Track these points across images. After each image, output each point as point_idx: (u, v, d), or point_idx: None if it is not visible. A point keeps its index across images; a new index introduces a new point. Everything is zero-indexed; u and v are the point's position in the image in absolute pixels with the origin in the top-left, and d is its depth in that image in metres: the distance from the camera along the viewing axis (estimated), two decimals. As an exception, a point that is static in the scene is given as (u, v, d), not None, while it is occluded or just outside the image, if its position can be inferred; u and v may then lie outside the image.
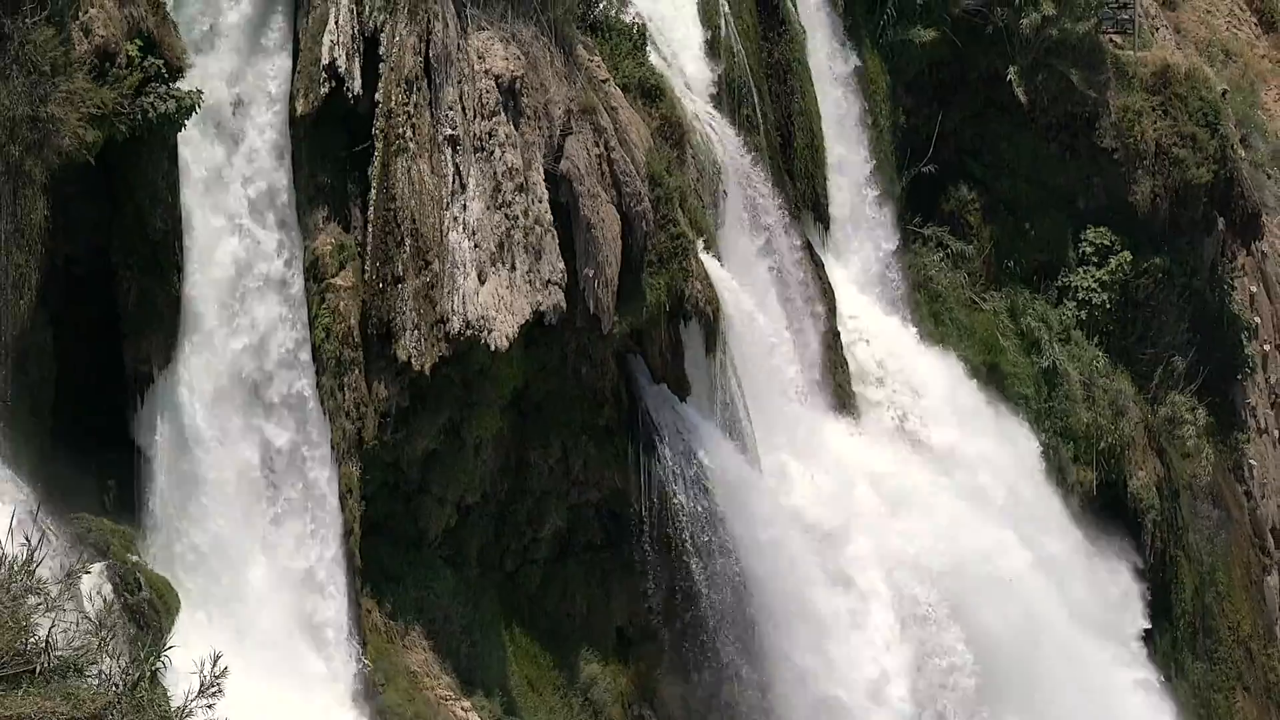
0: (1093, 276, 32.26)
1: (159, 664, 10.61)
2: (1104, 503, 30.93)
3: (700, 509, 23.22)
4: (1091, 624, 28.16)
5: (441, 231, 20.60)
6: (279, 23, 20.20)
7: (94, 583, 17.32)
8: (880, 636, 24.74)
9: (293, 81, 20.10)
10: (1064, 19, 31.71)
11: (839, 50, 29.45)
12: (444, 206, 20.68)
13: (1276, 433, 36.60)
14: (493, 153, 21.04)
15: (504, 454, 22.51)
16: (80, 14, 18.17)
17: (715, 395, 24.13)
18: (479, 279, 20.72)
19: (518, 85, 21.29)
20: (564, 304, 21.35)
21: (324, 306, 20.28)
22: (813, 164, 28.23)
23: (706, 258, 23.96)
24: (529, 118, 21.45)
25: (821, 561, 24.61)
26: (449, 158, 20.75)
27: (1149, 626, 30.08)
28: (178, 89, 18.71)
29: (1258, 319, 35.80)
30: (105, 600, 17.42)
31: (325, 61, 20.06)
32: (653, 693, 23.52)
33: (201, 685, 9.80)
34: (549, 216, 21.33)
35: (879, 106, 30.12)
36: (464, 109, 20.89)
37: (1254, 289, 36.06)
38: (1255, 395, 35.42)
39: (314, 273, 20.36)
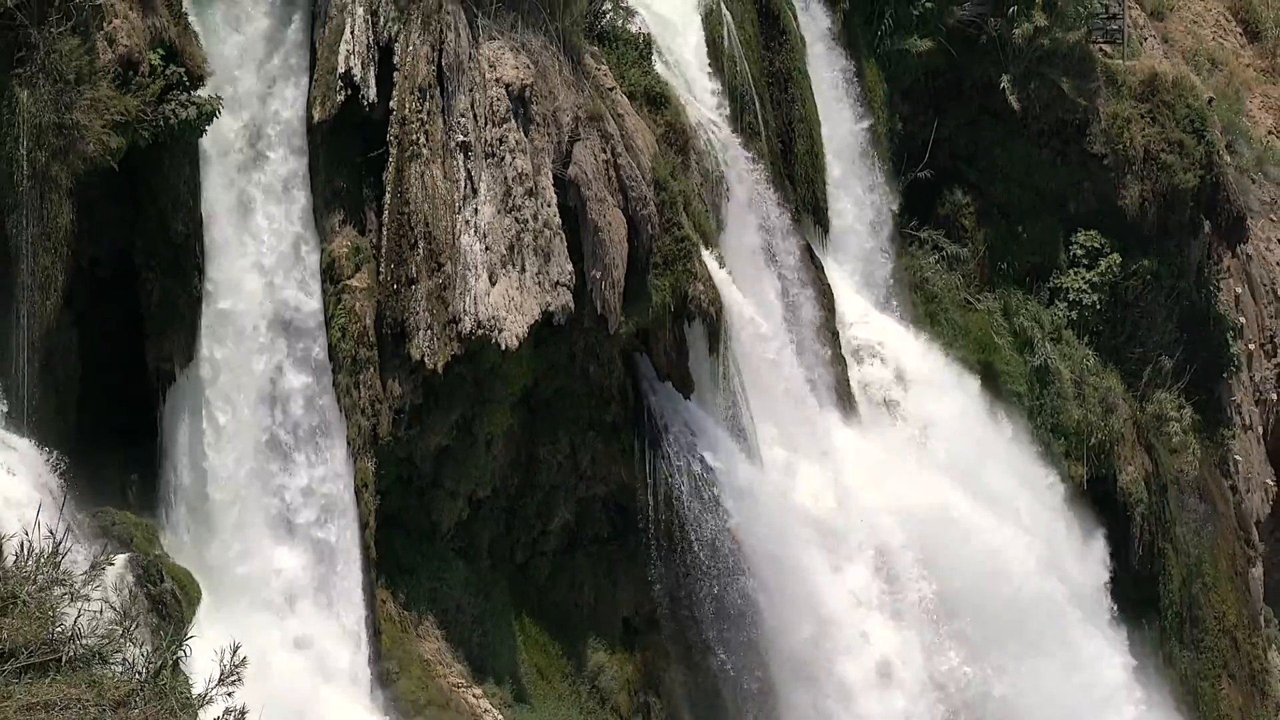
0: (1083, 278, 32.49)
1: (180, 653, 10.81)
2: (1094, 497, 31.36)
3: (703, 502, 23.47)
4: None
5: (454, 234, 20.83)
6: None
7: (118, 574, 17.64)
8: (881, 626, 25.03)
9: (310, 90, 20.48)
10: (1055, 29, 31.95)
11: (838, 59, 29.82)
12: (456, 210, 20.91)
13: (1261, 429, 37.00)
14: (503, 158, 21.26)
15: (514, 449, 22.73)
16: (104, 24, 18.51)
17: (718, 393, 24.27)
18: (490, 280, 20.92)
19: (527, 93, 21.51)
20: (572, 305, 21.60)
21: (340, 307, 20.59)
22: (813, 170, 28.38)
23: (710, 260, 24.16)
24: (538, 124, 21.64)
25: (821, 552, 24.92)
26: (461, 163, 21.00)
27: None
28: (199, 96, 19.01)
29: (1243, 319, 36.10)
30: (129, 591, 17.82)
31: (341, 70, 20.38)
32: (658, 680, 23.66)
33: (222, 674, 9.99)
34: (557, 220, 21.57)
35: (877, 114, 30.46)
36: (475, 116, 21.12)
37: (1239, 290, 36.38)
38: (1240, 393, 35.72)
39: (330, 274, 20.66)
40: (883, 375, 28.74)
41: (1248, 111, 40.20)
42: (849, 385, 27.71)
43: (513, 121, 21.41)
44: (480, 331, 20.82)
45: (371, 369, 20.77)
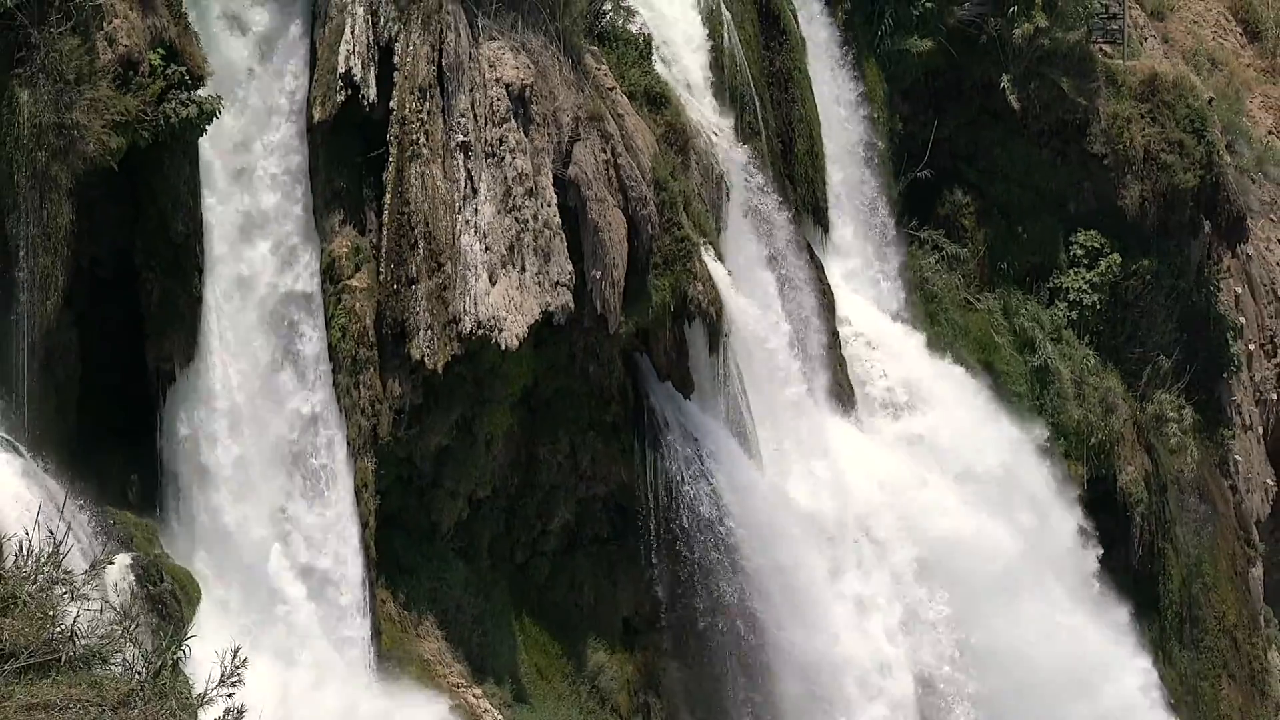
0: (1083, 278, 32.58)
1: (180, 653, 10.92)
2: (1094, 496, 31.41)
3: (703, 502, 23.54)
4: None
5: (454, 234, 20.86)
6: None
7: (118, 574, 17.68)
8: (880, 628, 25.12)
9: (310, 89, 20.51)
10: (1055, 29, 32.05)
11: (838, 59, 29.86)
12: (456, 210, 20.95)
13: (1260, 429, 37.07)
14: (503, 158, 21.29)
15: (514, 449, 22.76)
16: (104, 24, 18.47)
17: (718, 393, 24.31)
18: (490, 280, 20.95)
19: (527, 93, 21.55)
20: (572, 304, 21.63)
21: (340, 307, 20.62)
22: (813, 170, 28.47)
23: (710, 260, 24.20)
24: (538, 124, 21.66)
25: (820, 552, 24.96)
26: (461, 163, 21.03)
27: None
28: (199, 95, 18.98)
29: (1242, 319, 36.19)
30: (129, 591, 17.83)
31: (341, 70, 20.42)
32: (657, 680, 23.70)
33: (222, 675, 10.11)
34: (557, 220, 21.59)
35: (877, 114, 30.50)
36: (475, 116, 21.16)
37: (1239, 290, 36.46)
38: (1240, 393, 35.80)
39: (331, 274, 20.69)
40: (883, 375, 28.78)
41: (1248, 111, 40.27)
42: (849, 385, 27.77)
43: (513, 121, 21.45)
44: (480, 331, 20.85)
45: (371, 369, 20.82)
